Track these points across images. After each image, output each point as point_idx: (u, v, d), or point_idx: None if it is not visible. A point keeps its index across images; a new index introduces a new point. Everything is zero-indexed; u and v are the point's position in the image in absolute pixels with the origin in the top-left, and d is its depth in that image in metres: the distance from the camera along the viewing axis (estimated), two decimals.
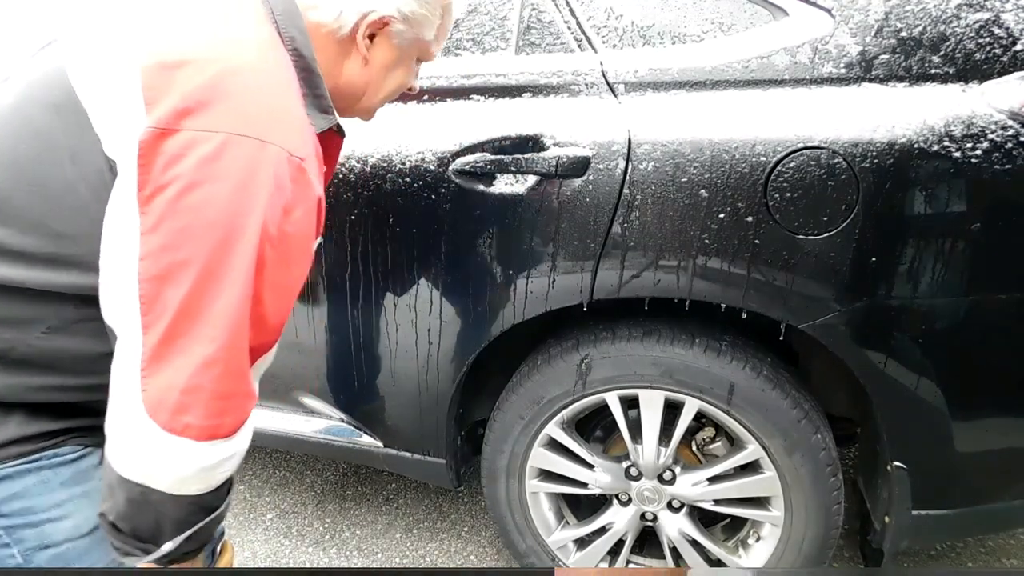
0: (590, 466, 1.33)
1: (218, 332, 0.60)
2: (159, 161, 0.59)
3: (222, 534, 1.52)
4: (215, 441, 0.62)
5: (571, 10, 1.12)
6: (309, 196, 0.66)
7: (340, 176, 1.20)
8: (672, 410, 1.22)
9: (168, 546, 0.65)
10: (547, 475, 1.38)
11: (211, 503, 0.68)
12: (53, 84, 0.68)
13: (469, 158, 1.13)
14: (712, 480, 1.26)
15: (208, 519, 0.68)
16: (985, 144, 0.89)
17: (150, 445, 0.60)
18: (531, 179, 1.11)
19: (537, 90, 1.13)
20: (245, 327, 0.62)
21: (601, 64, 1.09)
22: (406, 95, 0.94)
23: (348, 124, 0.87)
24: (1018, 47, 0.90)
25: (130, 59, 0.63)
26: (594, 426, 1.44)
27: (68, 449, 0.75)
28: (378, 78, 0.84)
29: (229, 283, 0.60)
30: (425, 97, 1.19)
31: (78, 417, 0.75)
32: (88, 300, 0.65)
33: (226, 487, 0.70)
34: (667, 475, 1.29)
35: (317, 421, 1.51)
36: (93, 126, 0.64)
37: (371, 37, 0.79)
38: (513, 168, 1.10)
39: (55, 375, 0.70)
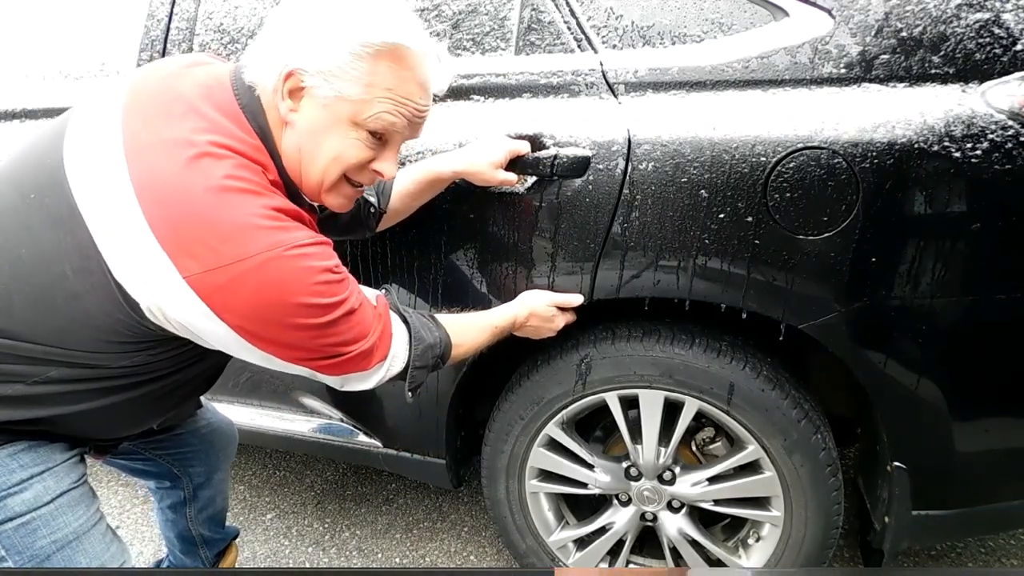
0: (590, 466, 1.33)
1: None
2: None
3: (236, 535, 1.53)
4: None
5: (571, 10, 1.12)
6: None
7: None
8: (672, 410, 1.22)
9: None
10: (547, 475, 1.38)
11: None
12: (54, 194, 0.76)
13: None
14: (712, 480, 1.26)
15: (417, 368, 0.98)
16: (985, 144, 0.89)
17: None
18: (531, 179, 1.11)
19: (537, 90, 1.13)
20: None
21: (601, 64, 1.09)
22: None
23: None
24: (1018, 47, 0.89)
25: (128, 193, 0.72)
26: (594, 426, 1.44)
27: (25, 441, 0.86)
28: (308, 144, 0.82)
29: None
30: None
31: (36, 413, 0.85)
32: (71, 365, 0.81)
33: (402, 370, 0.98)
34: (667, 475, 1.29)
35: (317, 421, 1.51)
36: (107, 265, 0.75)
37: (293, 95, 0.80)
38: (513, 168, 1.10)
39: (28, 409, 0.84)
